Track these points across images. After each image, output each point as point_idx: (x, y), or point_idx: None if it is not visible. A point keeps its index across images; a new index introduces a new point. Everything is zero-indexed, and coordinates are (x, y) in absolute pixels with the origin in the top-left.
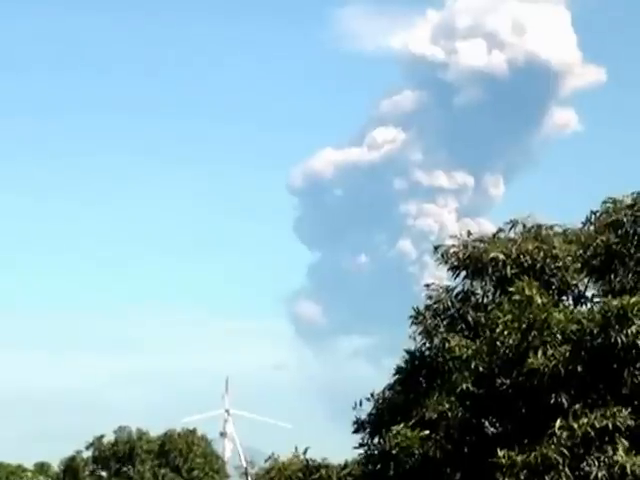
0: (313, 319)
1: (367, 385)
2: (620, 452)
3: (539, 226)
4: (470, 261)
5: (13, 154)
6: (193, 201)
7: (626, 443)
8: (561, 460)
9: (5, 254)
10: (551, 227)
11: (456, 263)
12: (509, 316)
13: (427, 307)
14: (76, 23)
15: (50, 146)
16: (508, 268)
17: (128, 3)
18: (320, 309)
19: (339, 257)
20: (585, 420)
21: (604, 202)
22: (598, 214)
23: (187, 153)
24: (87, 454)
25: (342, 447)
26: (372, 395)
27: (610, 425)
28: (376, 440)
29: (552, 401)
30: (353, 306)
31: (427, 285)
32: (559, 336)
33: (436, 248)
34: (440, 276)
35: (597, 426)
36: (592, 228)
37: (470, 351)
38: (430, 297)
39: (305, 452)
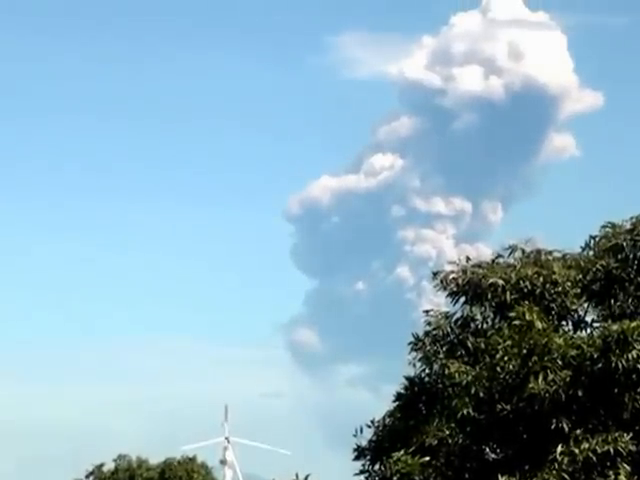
0: (310, 346)
1: (365, 412)
2: (622, 477)
3: (538, 251)
4: (469, 287)
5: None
6: (188, 229)
7: (628, 468)
8: None
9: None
10: (550, 252)
11: (455, 289)
12: (509, 341)
13: (426, 333)
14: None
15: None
16: (507, 293)
17: (125, 40)
18: (317, 336)
19: (336, 284)
20: (586, 445)
21: (603, 227)
22: (597, 239)
23: (182, 181)
24: None
25: (342, 474)
26: (372, 422)
27: (612, 450)
28: (377, 467)
29: (553, 426)
30: (350, 333)
31: (426, 311)
32: (559, 361)
33: (435, 274)
34: (438, 302)
35: (598, 451)
36: (591, 253)
37: (470, 377)
38: (429, 323)
39: (306, 479)
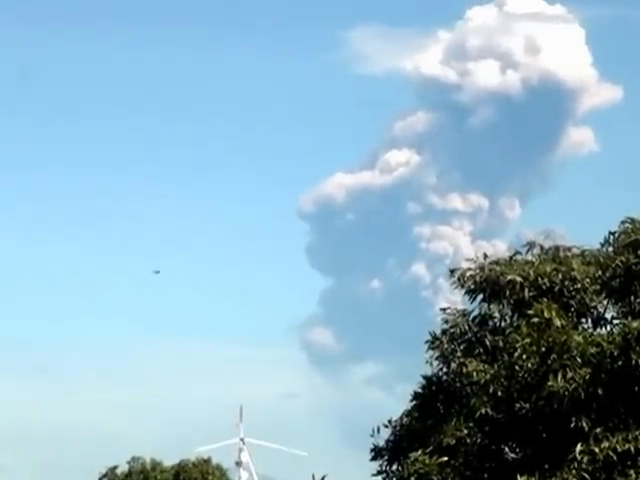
0: (325, 346)
1: (381, 412)
2: None
3: (557, 248)
4: (487, 284)
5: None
6: (203, 228)
7: None
8: None
9: (19, 291)
10: (569, 249)
11: (473, 286)
12: (528, 339)
13: (444, 331)
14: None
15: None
16: (526, 291)
17: (136, 35)
18: (332, 336)
19: (351, 282)
20: (607, 444)
21: (622, 222)
22: (616, 235)
23: (196, 179)
24: None
25: (358, 474)
26: (390, 422)
27: (632, 449)
28: (394, 467)
29: (572, 425)
30: (366, 332)
31: (443, 309)
32: (579, 359)
33: (452, 271)
34: (454, 300)
35: (619, 450)
36: (610, 249)
37: (488, 375)
38: (446, 321)
39: None
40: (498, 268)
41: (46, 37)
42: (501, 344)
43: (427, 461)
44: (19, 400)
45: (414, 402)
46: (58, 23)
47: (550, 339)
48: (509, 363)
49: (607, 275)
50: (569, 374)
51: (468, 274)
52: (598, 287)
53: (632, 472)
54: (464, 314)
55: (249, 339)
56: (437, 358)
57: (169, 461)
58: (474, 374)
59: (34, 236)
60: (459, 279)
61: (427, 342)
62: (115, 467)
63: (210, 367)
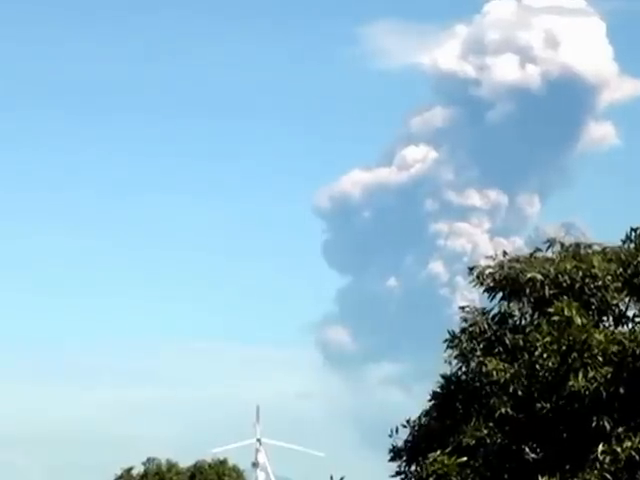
0: (342, 345)
1: (399, 412)
2: None
3: (577, 245)
4: (507, 282)
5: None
6: (218, 225)
7: None
8: None
9: (22, 290)
10: (590, 246)
11: (492, 284)
12: (548, 338)
13: (462, 330)
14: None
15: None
16: (546, 288)
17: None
18: (349, 335)
19: (368, 281)
20: (629, 444)
21: None
22: (638, 231)
23: (211, 176)
24: None
25: (376, 475)
26: (408, 422)
27: None
28: (413, 467)
29: (594, 425)
30: (383, 331)
31: (462, 307)
32: (600, 357)
33: (471, 269)
34: (472, 298)
35: None
36: (632, 246)
37: (508, 375)
38: (465, 320)
39: None
40: (518, 265)
41: (42, 34)
42: (521, 343)
43: (446, 461)
44: (33, 400)
45: (433, 402)
46: (55, 19)
47: (571, 337)
48: (529, 362)
49: (629, 272)
50: (590, 373)
51: (487, 272)
52: (619, 284)
53: None
54: (483, 312)
55: (265, 338)
56: (456, 357)
57: (185, 462)
58: (494, 373)
59: (43, 229)
60: (478, 277)
61: (446, 341)
62: (130, 468)
63: (226, 367)
